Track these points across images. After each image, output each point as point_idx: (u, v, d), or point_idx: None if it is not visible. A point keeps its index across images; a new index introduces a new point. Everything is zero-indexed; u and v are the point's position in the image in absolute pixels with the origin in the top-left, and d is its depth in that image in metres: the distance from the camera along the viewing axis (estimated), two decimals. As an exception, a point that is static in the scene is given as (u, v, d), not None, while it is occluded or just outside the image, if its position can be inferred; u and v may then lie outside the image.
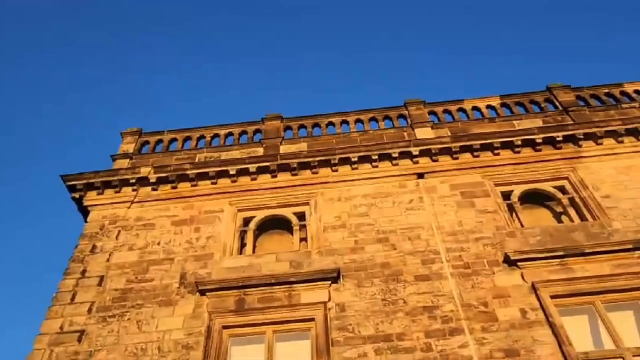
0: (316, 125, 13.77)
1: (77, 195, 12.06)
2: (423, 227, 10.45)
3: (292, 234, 11.16)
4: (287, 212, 11.48)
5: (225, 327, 9.17)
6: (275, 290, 9.51)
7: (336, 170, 11.84)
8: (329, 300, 9.29)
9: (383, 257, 9.96)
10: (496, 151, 11.63)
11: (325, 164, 11.87)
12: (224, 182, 11.93)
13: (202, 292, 9.63)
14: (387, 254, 10.01)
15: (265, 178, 11.92)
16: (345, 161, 11.82)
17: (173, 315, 9.41)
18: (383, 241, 10.29)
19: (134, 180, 11.95)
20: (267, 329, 9.14)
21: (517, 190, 11.19)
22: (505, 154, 11.68)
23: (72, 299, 9.92)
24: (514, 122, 12.70)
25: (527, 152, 11.64)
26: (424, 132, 12.61)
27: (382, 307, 9.09)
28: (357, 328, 8.81)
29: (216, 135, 13.92)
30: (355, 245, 10.29)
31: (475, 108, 13.47)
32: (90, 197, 12.02)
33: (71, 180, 12.06)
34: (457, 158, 11.69)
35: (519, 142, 11.57)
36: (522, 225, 10.54)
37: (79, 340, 9.15)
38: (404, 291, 9.30)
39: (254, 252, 10.79)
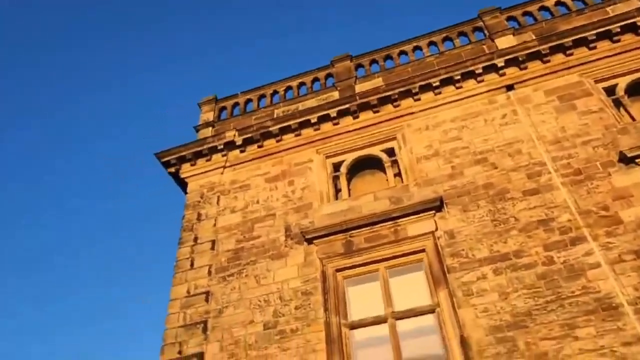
0: (388, 57, 13.28)
1: (173, 170, 12.67)
2: (522, 140, 9.91)
3: (384, 171, 11.04)
4: (376, 151, 11.34)
5: (338, 270, 9.42)
6: (379, 228, 9.55)
7: (418, 99, 11.43)
8: (437, 229, 9.20)
9: (485, 178, 9.63)
10: (592, 45, 10.61)
11: (406, 94, 11.49)
12: (307, 132, 11.97)
13: (309, 241, 9.90)
14: (488, 175, 9.66)
15: (347, 120, 11.80)
16: (426, 88, 11.36)
17: (286, 266, 9.80)
18: (482, 162, 9.91)
19: (221, 146, 12.30)
20: (379, 267, 9.28)
21: (622, 83, 10.21)
22: (603, 45, 10.62)
23: (192, 265, 10.60)
24: (607, 8, 11.45)
25: (628, 38, 10.52)
26: (505, 41, 11.75)
27: (493, 228, 8.86)
28: (471, 252, 8.69)
29: (289, 88, 13.88)
30: (453, 171, 10.01)
31: (559, 3, 12.28)
32: (185, 170, 12.58)
33: (165, 157, 12.66)
34: (548, 61, 10.83)
35: (618, 30, 10.46)
36: (633, 120, 9.66)
37: (206, 300, 9.82)
38: (514, 209, 8.98)
39: (349, 195, 10.82)
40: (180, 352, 9.23)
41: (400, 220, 9.50)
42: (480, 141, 10.28)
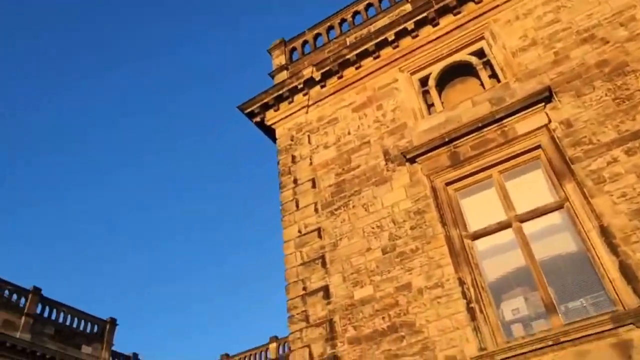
0: (456, -47, 12.13)
1: (258, 119, 12.68)
2: (634, 5, 8.72)
3: (476, 76, 10.25)
4: (463, 56, 10.54)
5: (448, 184, 9.03)
6: (485, 133, 8.96)
7: (502, -11, 10.38)
8: (550, 122, 8.46)
9: (596, 56, 8.65)
10: None
11: (487, -14, 10.48)
12: (385, 52, 11.37)
13: (412, 160, 9.54)
14: (599, 52, 8.66)
15: (426, 31, 11.02)
16: (509, -26, 10.28)
17: (392, 190, 9.56)
18: (589, 40, 8.88)
19: (301, 86, 12.05)
20: (491, 172, 8.78)
21: None
22: None
23: (297, 206, 10.69)
24: None
25: None
26: None
27: (617, 107, 7.99)
28: (595, 137, 7.93)
29: (356, 13, 13.22)
30: (556, 57, 9.08)
31: None
32: (270, 116, 12.53)
33: (247, 108, 12.67)
34: None
35: None
36: None
37: (319, 236, 9.90)
38: (638, 81, 8.01)
39: (443, 107, 10.20)
40: (304, 289, 9.45)
41: (506, 120, 8.82)
42: (583, 18, 9.19)
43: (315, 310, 9.08)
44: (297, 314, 9.23)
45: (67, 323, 24.37)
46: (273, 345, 32.56)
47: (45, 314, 23.54)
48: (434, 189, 9.01)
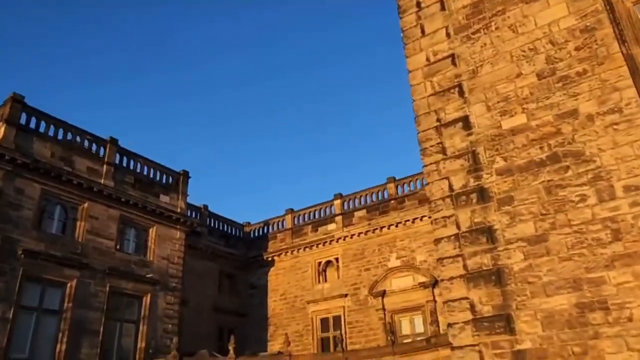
0: None
1: None
2: None
3: None
4: None
5: (627, -5, 7.54)
6: None
7: None
8: None
9: None
10: None
11: None
12: None
13: (576, -31, 7.95)
14: None
15: None
16: None
17: (549, 5, 8.12)
18: None
19: None
20: (688, -22, 7.18)
21: None
22: None
23: (422, 32, 9.46)
24: None
25: None
26: None
27: None
28: None
29: None
30: None
31: None
32: None
33: None
34: None
35: None
36: None
37: (454, 63, 8.80)
38: None
39: None
40: (439, 120, 8.62)
41: None
42: None
43: (453, 142, 8.32)
44: (431, 146, 8.52)
45: (145, 173, 25.13)
46: (337, 202, 33.11)
47: (124, 164, 24.21)
48: (608, 1, 7.55)
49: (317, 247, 32.94)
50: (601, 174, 6.81)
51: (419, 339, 25.47)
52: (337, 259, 32.28)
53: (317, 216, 34.44)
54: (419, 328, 27.20)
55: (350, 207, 33.36)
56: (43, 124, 21.35)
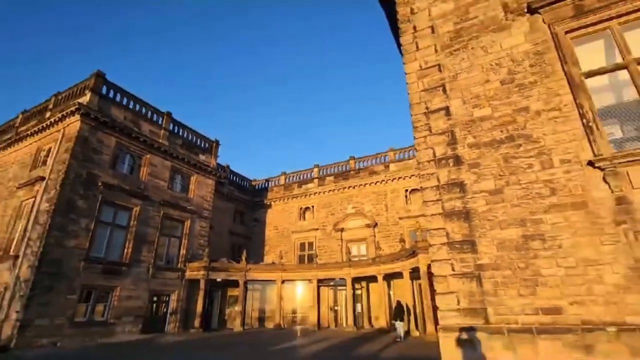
0: None
1: (378, -24, 10.16)
2: None
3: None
4: None
5: (567, 32, 7.21)
6: (613, -12, 6.88)
7: None
8: (685, -22, 6.38)
9: None
10: None
11: None
12: None
13: (533, 11, 7.56)
14: None
15: None
16: None
17: (512, 35, 7.73)
18: None
19: (423, -54, 9.34)
20: (610, 24, 6.91)
21: None
22: None
23: (417, 47, 8.88)
24: None
25: None
26: None
27: None
28: None
29: None
30: None
31: None
32: (390, -26, 10.01)
33: (371, -35, 10.05)
34: None
35: None
36: None
37: (439, 70, 8.32)
38: None
39: (558, -29, 7.87)
40: (427, 108, 8.17)
41: (638, -24, 6.68)
42: None
43: (437, 124, 7.92)
44: (421, 125, 8.08)
45: (189, 138, 23.74)
46: (316, 169, 32.47)
47: (175, 131, 22.76)
48: (553, 34, 7.21)
49: (300, 198, 32.64)
50: (544, 151, 6.59)
51: (364, 258, 25.74)
52: (313, 207, 32.18)
53: (301, 178, 34.08)
54: (363, 252, 27.81)
55: (324, 173, 33.25)
56: (118, 95, 19.68)
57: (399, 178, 28.16)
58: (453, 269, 6.65)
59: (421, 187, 7.59)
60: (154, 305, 19.31)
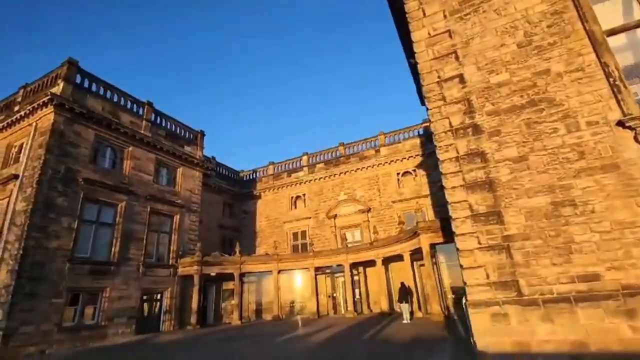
0: None
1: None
2: None
3: None
4: None
5: (585, -11, 6.92)
6: (632, -59, 6.61)
7: None
8: None
9: None
10: None
11: None
12: None
13: (547, -31, 7.22)
14: None
15: None
16: None
17: (526, -5, 7.40)
18: None
19: None
20: (630, -21, 6.65)
21: None
22: None
23: (424, 13, 8.45)
24: None
25: None
26: None
27: None
28: None
29: None
30: None
31: None
32: (389, -62, 9.46)
33: None
34: None
35: None
36: None
37: (450, 36, 7.93)
38: None
39: None
40: (439, 77, 7.80)
41: None
42: None
43: (451, 92, 7.56)
44: (434, 95, 7.72)
45: (173, 129, 22.71)
46: (305, 157, 31.97)
47: (158, 121, 21.69)
48: (572, -7, 6.92)
49: (291, 186, 32.08)
50: (569, 113, 6.34)
51: (359, 243, 25.60)
52: (304, 195, 31.69)
53: (291, 167, 33.48)
54: (358, 237, 27.60)
55: (313, 161, 32.71)
56: (94, 85, 18.45)
57: (391, 161, 28.00)
58: (479, 242, 6.39)
59: (440, 160, 7.26)
60: (147, 304, 18.62)
